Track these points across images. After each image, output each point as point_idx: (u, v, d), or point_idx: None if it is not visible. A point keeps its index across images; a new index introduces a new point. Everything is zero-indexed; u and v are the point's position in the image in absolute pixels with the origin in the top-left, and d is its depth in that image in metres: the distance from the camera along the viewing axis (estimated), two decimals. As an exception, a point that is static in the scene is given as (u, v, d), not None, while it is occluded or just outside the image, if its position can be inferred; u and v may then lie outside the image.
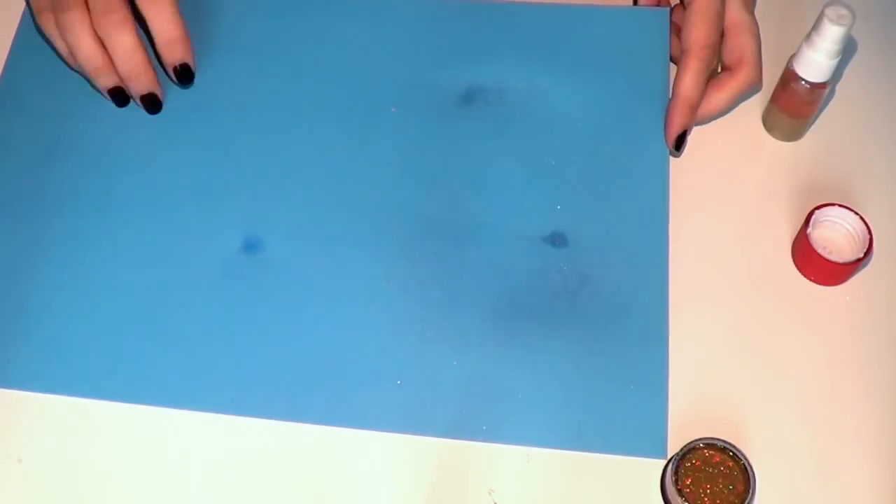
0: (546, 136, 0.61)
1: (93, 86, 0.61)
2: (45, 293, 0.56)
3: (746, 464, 0.51)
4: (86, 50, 0.58)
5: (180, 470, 0.52)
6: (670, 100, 0.60)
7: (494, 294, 0.56)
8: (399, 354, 0.55)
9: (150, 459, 0.52)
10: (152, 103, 0.61)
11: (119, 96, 0.61)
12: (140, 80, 0.60)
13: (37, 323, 0.55)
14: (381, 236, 0.58)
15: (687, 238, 0.59)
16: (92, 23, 0.58)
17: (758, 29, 0.60)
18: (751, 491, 0.50)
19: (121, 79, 0.60)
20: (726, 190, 0.61)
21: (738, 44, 0.60)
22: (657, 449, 0.53)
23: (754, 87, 0.61)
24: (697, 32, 0.59)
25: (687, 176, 0.61)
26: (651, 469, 0.53)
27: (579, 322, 0.55)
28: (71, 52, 0.59)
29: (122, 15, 0.58)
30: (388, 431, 0.53)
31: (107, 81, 0.60)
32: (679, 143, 0.60)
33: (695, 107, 0.60)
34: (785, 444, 0.53)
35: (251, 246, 0.58)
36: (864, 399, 0.55)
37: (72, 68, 0.62)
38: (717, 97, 0.60)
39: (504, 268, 0.57)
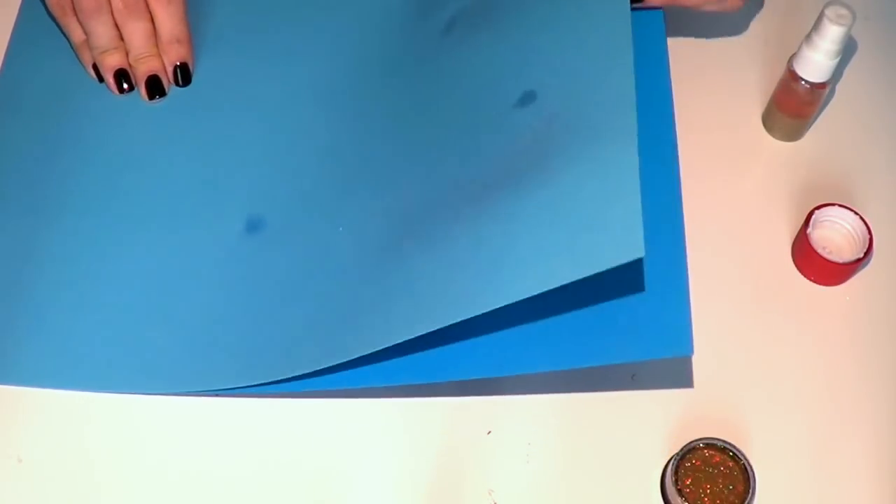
0: (514, 18, 0.59)
1: (93, 72, 0.62)
2: (48, 289, 0.56)
3: (746, 464, 0.51)
4: (103, 30, 0.60)
5: (181, 470, 0.52)
6: None
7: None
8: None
9: (151, 459, 0.52)
10: (155, 86, 0.62)
11: (122, 78, 0.62)
12: (149, 61, 0.61)
13: (41, 319, 0.55)
14: (378, 199, 0.56)
15: (687, 238, 0.59)
16: (112, 11, 0.60)
17: None
18: (751, 491, 0.50)
19: (129, 63, 0.61)
20: (726, 190, 0.61)
21: None
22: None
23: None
24: None
25: (687, 176, 0.61)
26: (651, 469, 0.53)
27: (550, 151, 0.50)
28: (87, 34, 0.61)
29: (141, 6, 0.60)
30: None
31: (114, 61, 0.61)
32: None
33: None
34: (785, 444, 0.54)
35: (253, 226, 0.58)
36: (863, 399, 0.55)
37: (76, 54, 0.63)
38: None
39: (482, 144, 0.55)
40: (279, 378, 0.52)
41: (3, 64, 0.64)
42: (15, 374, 0.54)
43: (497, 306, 0.46)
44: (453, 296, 0.48)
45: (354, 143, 0.60)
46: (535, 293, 0.46)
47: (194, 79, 0.63)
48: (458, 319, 0.47)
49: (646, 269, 0.50)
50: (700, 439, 0.51)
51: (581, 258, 0.45)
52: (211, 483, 0.52)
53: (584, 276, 0.45)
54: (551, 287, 0.45)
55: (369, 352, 0.49)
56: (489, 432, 0.54)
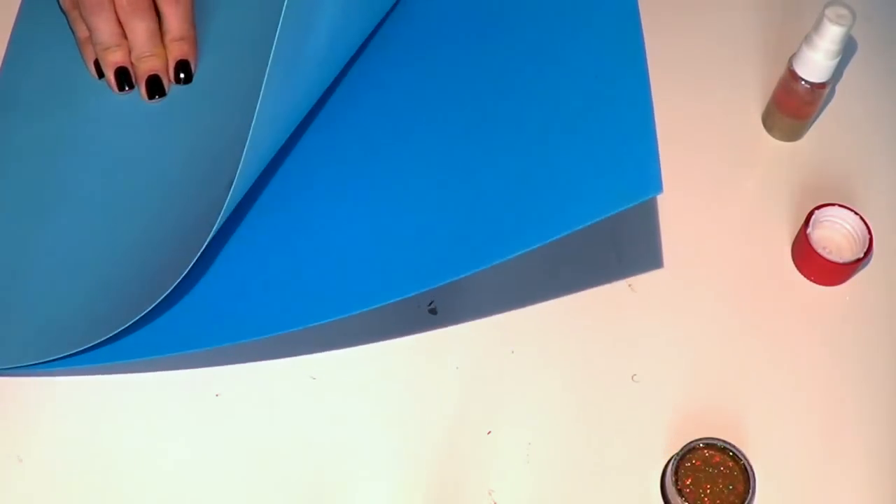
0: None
1: (94, 69, 0.62)
2: (44, 288, 0.56)
3: (746, 464, 0.51)
4: (105, 27, 0.60)
5: (180, 470, 0.52)
6: None
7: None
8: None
9: (151, 459, 0.52)
10: (156, 85, 0.62)
11: (122, 76, 0.62)
12: (151, 61, 0.62)
13: (35, 318, 0.55)
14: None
15: (687, 238, 0.59)
16: (116, 8, 0.60)
17: None
18: (751, 491, 0.50)
19: (130, 61, 0.62)
20: (726, 190, 0.61)
21: None
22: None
23: None
24: None
25: (687, 176, 0.61)
26: (651, 469, 0.53)
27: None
28: (90, 30, 0.61)
29: (146, 4, 0.61)
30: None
31: (115, 58, 0.61)
32: None
33: None
34: (785, 444, 0.54)
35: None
36: (863, 399, 0.55)
37: (79, 49, 0.63)
38: None
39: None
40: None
41: (2, 64, 0.64)
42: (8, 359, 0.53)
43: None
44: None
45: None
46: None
47: (196, 82, 0.63)
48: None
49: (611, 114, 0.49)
50: (700, 439, 0.51)
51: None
52: (211, 481, 0.52)
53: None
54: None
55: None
56: (489, 432, 0.54)
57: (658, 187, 0.45)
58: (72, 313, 0.54)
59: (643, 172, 0.46)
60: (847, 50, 0.61)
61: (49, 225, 0.58)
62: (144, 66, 0.62)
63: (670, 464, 0.51)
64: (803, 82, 0.59)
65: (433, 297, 0.57)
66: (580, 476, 0.53)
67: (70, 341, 0.52)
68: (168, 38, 0.62)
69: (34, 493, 0.51)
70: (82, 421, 0.53)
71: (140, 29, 0.61)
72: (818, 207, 0.58)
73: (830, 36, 0.56)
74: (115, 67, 0.62)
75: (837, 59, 0.58)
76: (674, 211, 0.60)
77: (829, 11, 0.56)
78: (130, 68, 0.62)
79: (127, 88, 0.62)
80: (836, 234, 0.58)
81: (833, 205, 0.58)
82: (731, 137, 0.63)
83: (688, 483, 0.50)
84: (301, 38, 0.51)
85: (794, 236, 0.59)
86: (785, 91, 0.61)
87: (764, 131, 0.64)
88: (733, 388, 0.55)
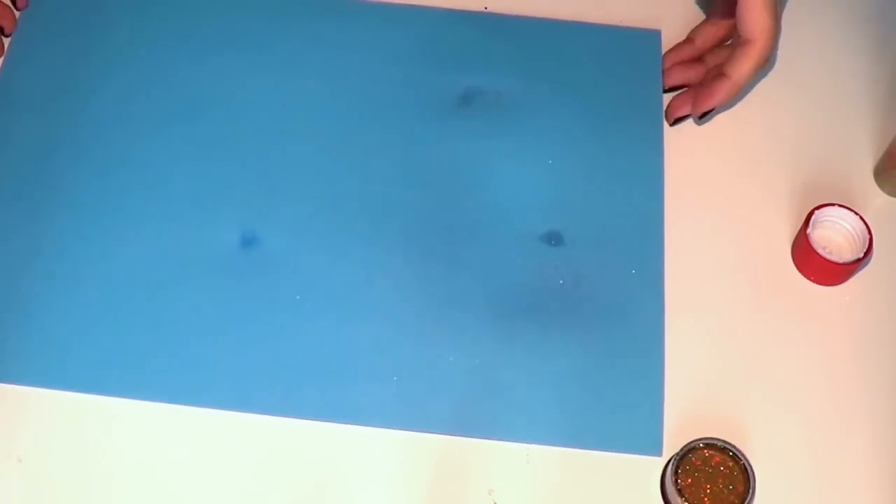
0: (543, 136, 0.61)
1: None
2: (42, 289, 0.56)
3: (746, 464, 0.51)
4: None
5: (180, 469, 0.52)
6: (717, 77, 0.60)
7: (491, 291, 0.57)
8: (395, 351, 0.55)
9: (151, 458, 0.52)
10: None
11: None
12: None
13: (34, 318, 0.55)
14: (377, 233, 0.58)
15: (687, 238, 0.59)
16: None
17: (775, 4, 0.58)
18: (751, 491, 0.50)
19: None
20: (726, 190, 0.61)
21: (753, 17, 0.57)
22: (653, 446, 0.53)
23: (768, 60, 0.59)
24: (764, 22, 0.57)
25: (687, 176, 0.61)
26: (651, 469, 0.53)
27: (575, 320, 0.56)
28: None
29: None
30: (385, 427, 0.53)
31: None
32: (705, 114, 0.61)
33: (738, 92, 0.60)
34: (785, 444, 0.54)
35: (248, 241, 0.58)
36: (863, 399, 0.55)
37: None
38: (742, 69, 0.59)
39: (500, 266, 0.57)
40: (256, 410, 0.54)
41: (3, 63, 0.64)
42: (3, 372, 0.54)
43: (503, 440, 0.53)
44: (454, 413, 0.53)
45: (358, 192, 0.60)
46: (547, 445, 0.53)
47: (196, 78, 0.63)
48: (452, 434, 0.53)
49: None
50: (700, 439, 0.51)
51: (605, 436, 0.53)
52: (211, 481, 0.52)
53: (601, 450, 0.53)
54: (562, 446, 0.53)
55: (359, 423, 0.53)
56: (489, 432, 0.54)
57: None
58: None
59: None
60: (846, 49, 0.60)
61: (46, 225, 0.58)
62: None
63: (670, 464, 0.51)
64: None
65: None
66: (580, 476, 0.53)
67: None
68: None
69: (34, 493, 0.51)
70: (82, 421, 0.53)
71: None
72: (818, 207, 0.58)
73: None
74: None
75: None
76: (673, 211, 0.60)
77: None
78: None
79: None
80: (836, 234, 0.58)
81: (833, 205, 0.58)
82: (731, 137, 0.63)
83: (688, 483, 0.50)
84: None
85: (794, 236, 0.59)
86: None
87: (764, 131, 0.64)
88: (733, 388, 0.55)
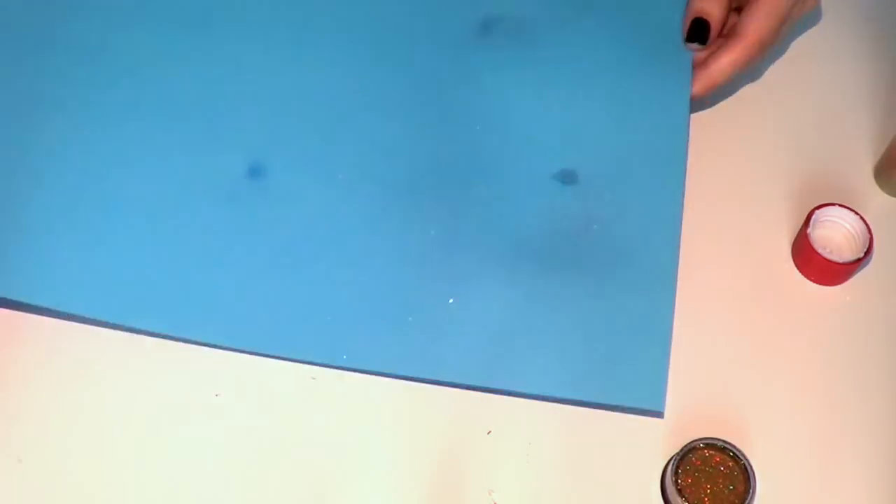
0: (565, 68, 0.58)
1: None
2: (36, 202, 0.54)
3: (746, 464, 0.51)
4: None
5: (181, 470, 0.52)
6: (697, 65, 0.57)
7: (498, 233, 0.54)
8: (397, 292, 0.53)
9: (151, 459, 0.52)
10: None
11: None
12: None
13: (27, 232, 0.53)
14: (386, 170, 0.56)
15: (686, 239, 0.59)
16: None
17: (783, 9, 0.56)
18: (751, 491, 0.50)
19: None
20: (726, 189, 0.61)
21: (755, 13, 0.56)
22: (655, 401, 0.51)
23: (750, 63, 0.57)
24: (760, 23, 0.55)
25: (686, 176, 0.61)
26: (651, 469, 0.53)
27: (585, 265, 0.53)
28: None
29: None
30: (381, 373, 0.52)
31: None
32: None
33: (712, 86, 0.57)
34: (785, 444, 0.54)
35: (255, 171, 0.55)
36: (863, 399, 0.55)
37: None
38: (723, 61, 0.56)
39: (510, 206, 0.54)
40: (259, 351, 0.52)
41: None
42: None
43: (506, 389, 0.52)
44: (458, 359, 0.51)
45: (368, 126, 0.57)
46: (547, 395, 0.51)
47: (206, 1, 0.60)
48: (459, 382, 0.52)
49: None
50: (700, 439, 0.51)
51: (607, 387, 0.51)
52: (211, 481, 0.52)
53: (602, 402, 0.51)
54: (562, 396, 0.51)
55: (358, 368, 0.52)
56: (489, 432, 0.54)
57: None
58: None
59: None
60: (844, 49, 0.61)
61: (45, 131, 0.55)
62: None
63: (670, 464, 0.51)
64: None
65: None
66: (580, 476, 0.53)
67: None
68: None
69: (34, 494, 0.51)
70: (82, 421, 0.53)
71: None
72: (818, 207, 0.58)
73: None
74: None
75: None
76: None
77: None
78: None
79: None
80: (836, 234, 0.58)
81: (833, 205, 0.58)
82: (730, 136, 0.63)
83: (688, 483, 0.50)
84: None
85: (794, 236, 0.59)
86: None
87: (763, 131, 0.64)
88: (733, 388, 0.55)
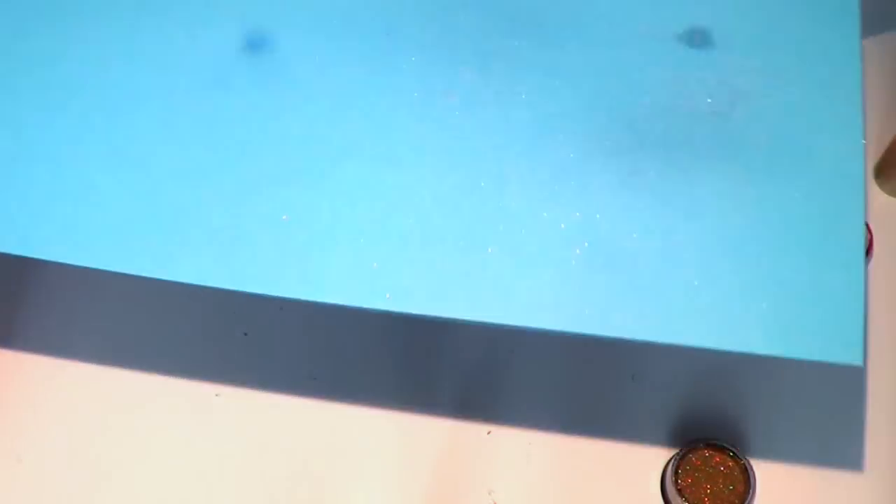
0: None
1: None
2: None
3: (746, 464, 0.51)
4: None
5: (181, 469, 0.52)
6: None
7: (602, 116, 0.40)
8: (460, 208, 0.39)
9: (151, 459, 0.52)
10: None
11: None
12: None
13: None
14: (437, 36, 0.42)
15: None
16: None
17: None
18: (751, 491, 0.50)
19: None
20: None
21: None
22: (850, 350, 0.37)
23: None
24: None
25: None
26: (651, 468, 0.53)
27: (729, 159, 0.39)
28: None
29: None
30: (466, 317, 0.38)
31: None
32: None
33: None
34: (785, 444, 0.54)
35: (254, 44, 0.42)
36: (863, 399, 0.55)
37: None
38: None
39: (617, 78, 0.41)
40: (248, 288, 0.39)
41: None
42: None
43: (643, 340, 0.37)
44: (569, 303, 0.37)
45: None
46: (716, 349, 0.38)
47: None
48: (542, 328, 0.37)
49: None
50: (700, 439, 0.51)
51: (770, 336, 0.38)
52: (210, 481, 0.52)
53: (783, 356, 0.38)
54: (737, 351, 0.38)
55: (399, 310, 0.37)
56: (489, 432, 0.54)
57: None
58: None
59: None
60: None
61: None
62: None
63: (670, 464, 0.51)
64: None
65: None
66: (580, 476, 0.53)
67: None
68: None
69: (34, 493, 0.51)
70: (82, 421, 0.53)
71: None
72: (818, 207, 0.58)
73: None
74: None
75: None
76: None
77: None
78: None
79: None
80: (836, 234, 0.58)
81: (833, 205, 0.58)
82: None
83: (688, 483, 0.50)
84: None
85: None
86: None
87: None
88: (733, 388, 0.55)
